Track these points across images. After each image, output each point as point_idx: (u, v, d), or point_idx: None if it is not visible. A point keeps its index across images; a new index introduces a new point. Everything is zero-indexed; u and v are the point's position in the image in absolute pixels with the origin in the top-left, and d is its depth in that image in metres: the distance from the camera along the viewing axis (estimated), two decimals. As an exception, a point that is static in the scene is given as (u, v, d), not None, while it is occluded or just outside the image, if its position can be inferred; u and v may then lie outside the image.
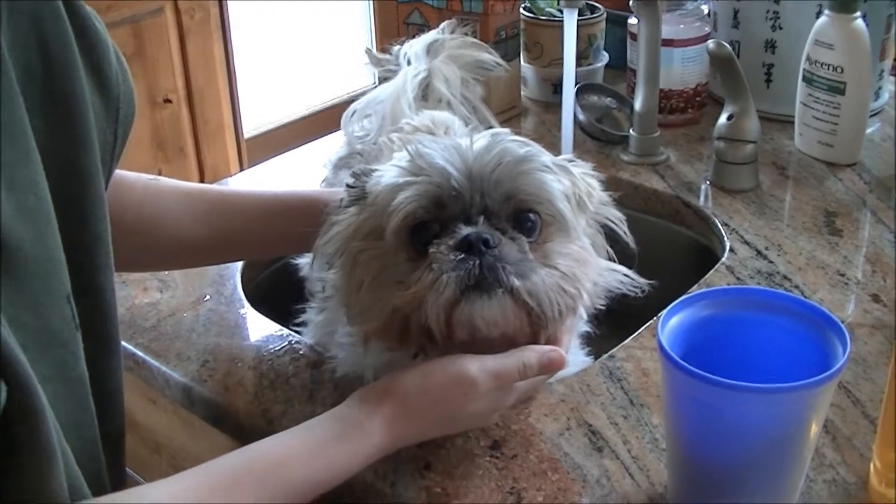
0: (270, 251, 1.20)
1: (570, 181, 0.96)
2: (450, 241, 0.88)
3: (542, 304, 0.88)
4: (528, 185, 0.91)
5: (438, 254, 0.88)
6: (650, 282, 0.99)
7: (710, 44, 1.46)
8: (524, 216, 0.91)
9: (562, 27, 1.48)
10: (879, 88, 1.69)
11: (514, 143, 0.93)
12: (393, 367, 0.97)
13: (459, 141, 0.94)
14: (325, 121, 1.40)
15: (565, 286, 0.90)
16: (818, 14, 1.52)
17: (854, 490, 0.90)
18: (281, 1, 3.77)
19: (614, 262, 1.00)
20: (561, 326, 0.93)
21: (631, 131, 1.57)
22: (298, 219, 1.04)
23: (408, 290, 0.89)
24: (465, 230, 0.88)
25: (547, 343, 0.93)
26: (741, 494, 0.85)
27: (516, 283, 0.87)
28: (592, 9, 1.80)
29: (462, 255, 0.87)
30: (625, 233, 1.01)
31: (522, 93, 1.79)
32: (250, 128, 3.54)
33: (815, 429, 0.83)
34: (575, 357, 1.07)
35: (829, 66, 1.48)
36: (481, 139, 0.93)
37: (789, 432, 0.82)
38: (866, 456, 0.93)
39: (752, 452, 0.82)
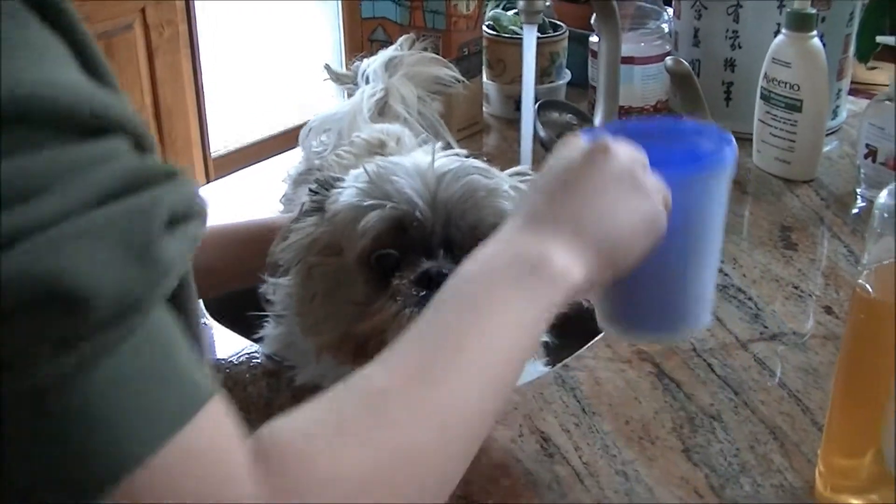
0: (244, 280, 1.18)
1: None
2: (411, 275, 0.90)
3: None
4: (491, 216, 0.93)
5: (402, 286, 0.90)
6: None
7: (669, 60, 1.48)
8: None
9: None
10: (837, 107, 1.71)
11: (479, 174, 0.94)
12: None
13: (419, 163, 0.95)
14: (294, 139, 1.40)
15: None
16: (776, 33, 1.54)
17: (801, 494, 0.92)
18: (251, 19, 3.78)
19: None
20: None
21: (591, 147, 1.58)
22: (267, 245, 1.03)
23: (370, 317, 0.91)
24: (427, 264, 0.90)
25: None
26: (653, 299, 0.87)
27: None
28: (555, 27, 1.82)
29: (424, 292, 0.89)
30: None
31: (485, 109, 1.80)
32: (218, 146, 3.54)
33: (714, 224, 0.85)
34: (533, 367, 1.08)
35: (786, 83, 1.51)
36: (443, 162, 0.94)
37: (688, 221, 0.83)
38: (813, 462, 0.94)
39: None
